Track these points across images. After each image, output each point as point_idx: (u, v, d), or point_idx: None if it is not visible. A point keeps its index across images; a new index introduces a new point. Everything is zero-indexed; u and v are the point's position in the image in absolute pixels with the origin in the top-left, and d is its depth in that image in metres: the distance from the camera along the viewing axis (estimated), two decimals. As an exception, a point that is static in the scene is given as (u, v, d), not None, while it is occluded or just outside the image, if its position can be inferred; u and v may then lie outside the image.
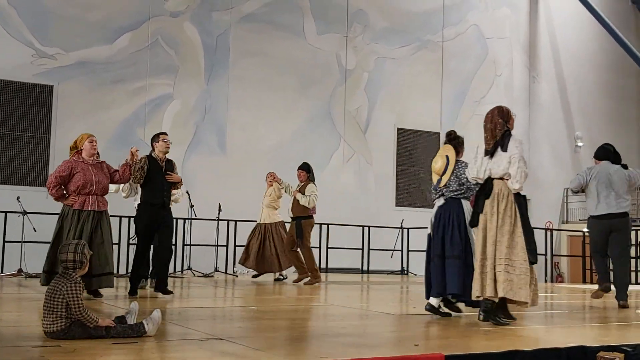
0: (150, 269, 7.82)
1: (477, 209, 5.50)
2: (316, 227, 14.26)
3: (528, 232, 5.36)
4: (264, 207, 10.68)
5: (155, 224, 7.20)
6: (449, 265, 5.73)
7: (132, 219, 8.78)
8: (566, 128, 19.58)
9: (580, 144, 19.13)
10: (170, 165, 7.41)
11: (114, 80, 14.15)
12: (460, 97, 17.99)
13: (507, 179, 5.41)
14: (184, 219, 11.91)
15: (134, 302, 4.65)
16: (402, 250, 14.96)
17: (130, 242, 11.79)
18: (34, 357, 3.59)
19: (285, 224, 10.63)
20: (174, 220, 8.33)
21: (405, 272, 14.96)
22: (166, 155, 7.35)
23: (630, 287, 7.51)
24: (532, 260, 5.32)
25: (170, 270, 9.36)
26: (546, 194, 18.13)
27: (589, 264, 13.67)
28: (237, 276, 12.07)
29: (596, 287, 7.62)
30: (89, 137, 6.94)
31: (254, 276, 10.85)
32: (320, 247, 14.28)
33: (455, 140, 6.15)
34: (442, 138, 18.76)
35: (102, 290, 6.86)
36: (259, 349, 4.04)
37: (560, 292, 10.81)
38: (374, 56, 16.93)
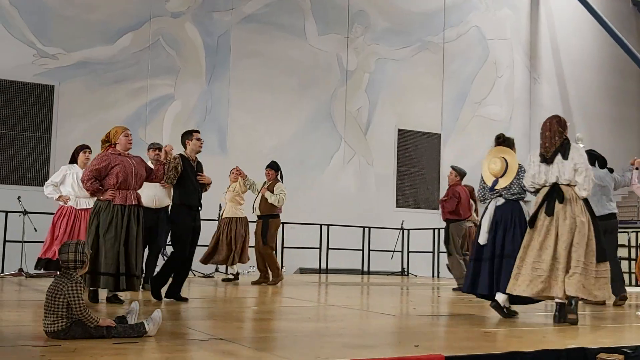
0: (143, 273, 7.73)
1: (539, 212, 5.68)
2: (316, 228, 14.33)
3: (598, 233, 5.66)
4: (227, 202, 10.47)
5: (193, 228, 6.86)
6: (509, 265, 5.86)
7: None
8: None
9: (581, 145, 19.13)
10: (200, 165, 7.11)
11: (115, 80, 14.16)
12: (461, 98, 18.00)
13: (574, 185, 5.69)
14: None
15: (135, 302, 4.65)
16: (402, 251, 14.97)
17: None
18: (35, 356, 3.59)
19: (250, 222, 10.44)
20: None
21: (406, 273, 14.97)
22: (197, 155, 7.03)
23: (629, 290, 7.62)
24: (604, 259, 5.62)
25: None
26: (547, 196, 18.10)
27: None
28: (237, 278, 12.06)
29: None
30: (124, 131, 6.53)
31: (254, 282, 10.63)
32: (320, 248, 14.30)
33: (506, 142, 6.33)
34: (443, 139, 18.80)
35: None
36: (259, 349, 4.04)
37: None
38: (375, 57, 16.94)
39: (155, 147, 8.32)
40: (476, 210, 11.21)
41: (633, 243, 13.35)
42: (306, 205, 15.28)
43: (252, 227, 10.23)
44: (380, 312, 6.79)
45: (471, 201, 10.62)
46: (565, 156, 5.72)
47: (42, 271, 9.23)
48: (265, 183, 10.07)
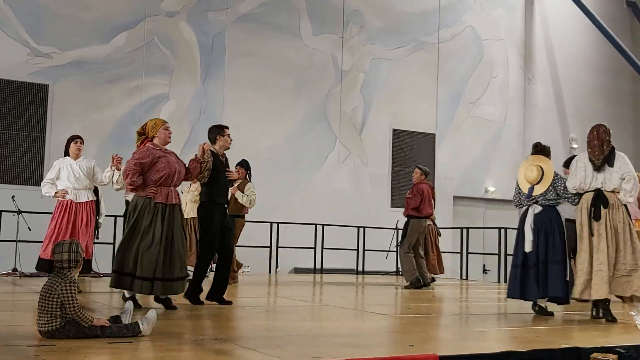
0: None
1: (591, 216, 6.12)
2: (311, 228, 14.32)
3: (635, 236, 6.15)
4: (187, 202, 10.27)
5: (222, 226, 6.63)
6: (553, 270, 6.27)
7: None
8: (561, 130, 19.64)
9: (575, 145, 19.19)
10: (227, 161, 6.88)
11: (110, 79, 14.13)
12: (456, 99, 18.02)
13: (618, 192, 6.12)
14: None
15: (129, 302, 4.65)
16: (397, 251, 14.98)
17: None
18: (29, 356, 3.59)
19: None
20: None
21: (400, 273, 14.98)
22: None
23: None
24: None
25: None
26: (541, 196, 18.14)
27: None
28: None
29: None
30: (164, 124, 6.20)
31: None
32: (315, 248, 14.30)
33: (543, 150, 6.65)
34: (438, 139, 18.79)
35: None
36: (254, 349, 4.04)
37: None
38: (370, 57, 16.95)
39: None
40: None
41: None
42: (301, 205, 15.28)
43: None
44: (375, 311, 6.80)
45: (432, 200, 10.77)
46: (611, 164, 6.14)
47: (40, 272, 8.68)
48: (234, 182, 9.89)
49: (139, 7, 14.40)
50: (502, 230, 13.75)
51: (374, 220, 15.55)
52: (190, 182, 9.51)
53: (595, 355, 4.19)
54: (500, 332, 5.50)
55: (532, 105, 19.13)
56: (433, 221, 11.49)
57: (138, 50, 14.36)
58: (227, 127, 6.96)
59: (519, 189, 6.60)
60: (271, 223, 13.50)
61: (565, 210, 6.71)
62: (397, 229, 15.07)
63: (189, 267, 9.98)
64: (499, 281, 13.73)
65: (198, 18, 15.02)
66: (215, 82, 15.10)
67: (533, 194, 6.44)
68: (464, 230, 14.62)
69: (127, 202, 8.04)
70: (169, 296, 6.10)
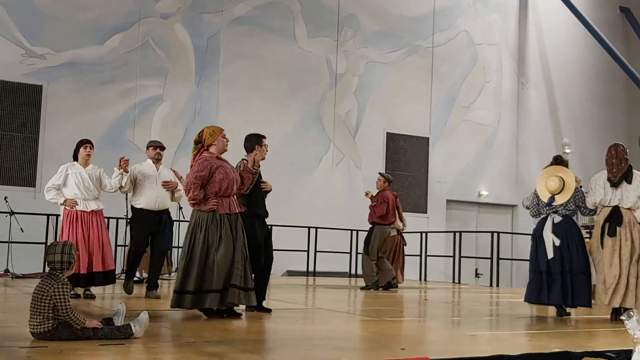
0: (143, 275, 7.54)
1: (605, 232, 6.45)
2: (305, 231, 14.33)
3: None
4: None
5: (265, 236, 6.47)
6: (578, 281, 6.55)
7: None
8: (554, 134, 19.71)
9: (567, 150, 19.27)
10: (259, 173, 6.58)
11: (104, 81, 14.11)
12: (450, 103, 18.06)
13: (635, 209, 6.44)
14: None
15: (121, 304, 4.65)
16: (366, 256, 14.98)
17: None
18: (21, 357, 3.59)
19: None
20: (174, 222, 8.11)
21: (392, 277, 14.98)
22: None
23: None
24: None
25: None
26: (534, 200, 18.20)
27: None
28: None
29: None
30: (222, 132, 6.01)
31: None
32: (308, 251, 14.31)
33: (562, 162, 6.93)
34: (431, 142, 18.79)
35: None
36: (246, 352, 4.05)
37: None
38: (364, 60, 16.98)
39: (156, 145, 7.90)
40: (400, 218, 11.53)
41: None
42: (294, 207, 15.28)
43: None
44: (368, 315, 6.81)
45: (395, 208, 10.92)
46: (629, 181, 6.44)
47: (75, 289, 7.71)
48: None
49: (134, 8, 14.39)
50: (495, 235, 13.78)
51: (368, 223, 15.54)
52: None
53: (586, 359, 4.21)
54: (492, 335, 5.52)
55: (525, 110, 19.20)
56: (398, 231, 11.61)
57: (132, 52, 14.35)
58: (264, 137, 6.70)
59: (538, 198, 6.84)
60: (264, 226, 13.47)
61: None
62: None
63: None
64: (491, 285, 13.76)
65: (193, 20, 15.02)
66: (209, 85, 15.10)
67: (553, 204, 6.68)
68: (457, 234, 14.65)
69: (133, 207, 7.78)
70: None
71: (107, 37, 14.15)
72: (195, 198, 5.65)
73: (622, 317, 5.39)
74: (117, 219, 11.79)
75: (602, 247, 6.42)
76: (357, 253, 14.81)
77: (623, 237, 6.36)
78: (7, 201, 11.19)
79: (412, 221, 16.82)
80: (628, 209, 6.42)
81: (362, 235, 14.90)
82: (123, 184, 7.56)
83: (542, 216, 6.80)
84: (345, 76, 16.68)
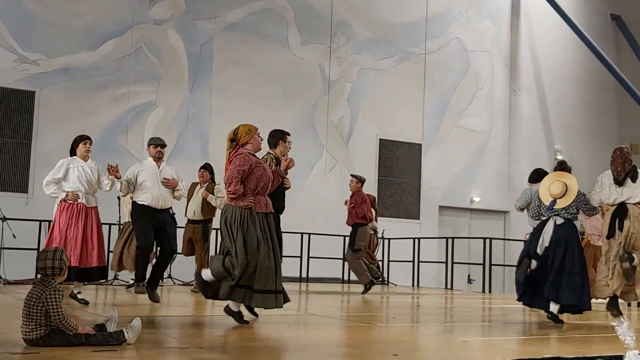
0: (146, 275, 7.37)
1: (614, 226, 7.02)
2: (297, 237, 14.32)
3: None
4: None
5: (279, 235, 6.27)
6: (572, 280, 6.70)
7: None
8: (545, 141, 19.80)
9: (559, 156, 19.35)
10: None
11: (97, 87, 14.10)
12: (442, 109, 18.13)
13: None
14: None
15: (114, 310, 4.65)
16: (382, 261, 15.01)
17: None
18: (13, 364, 3.58)
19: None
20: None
21: (386, 282, 15.01)
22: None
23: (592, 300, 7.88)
24: None
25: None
26: (526, 206, 18.27)
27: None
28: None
29: None
30: (257, 130, 6.01)
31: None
32: (301, 257, 14.30)
33: (566, 168, 7.24)
34: (424, 149, 18.83)
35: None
36: (239, 358, 4.06)
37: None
38: (357, 67, 17.03)
39: (157, 143, 7.69)
40: (376, 218, 11.70)
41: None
42: (287, 213, 15.14)
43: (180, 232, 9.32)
44: (360, 321, 6.83)
45: (371, 207, 11.12)
46: (634, 179, 6.99)
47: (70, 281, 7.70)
48: (198, 185, 9.79)
49: (127, 15, 14.40)
50: (487, 241, 13.82)
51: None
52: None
53: (576, 365, 4.23)
54: (484, 341, 5.54)
55: (517, 117, 19.29)
56: (375, 230, 11.74)
57: (125, 58, 14.35)
58: (289, 134, 6.76)
59: (540, 201, 7.09)
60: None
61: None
62: (382, 238, 15.11)
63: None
64: (483, 291, 13.79)
65: (186, 26, 15.04)
66: (202, 91, 15.11)
67: (555, 207, 6.90)
68: (449, 240, 14.68)
69: (134, 203, 7.56)
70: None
71: (100, 43, 14.15)
72: (236, 192, 5.57)
73: (612, 323, 5.41)
74: (110, 224, 11.75)
75: (612, 239, 6.98)
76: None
77: (631, 230, 6.91)
78: (-1, 207, 11.17)
79: (404, 227, 16.89)
80: (635, 204, 6.97)
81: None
82: (119, 189, 7.52)
83: (544, 218, 7.03)
84: (338, 83, 16.72)
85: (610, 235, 7.06)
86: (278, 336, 5.34)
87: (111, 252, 10.32)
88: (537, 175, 8.31)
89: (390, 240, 15.29)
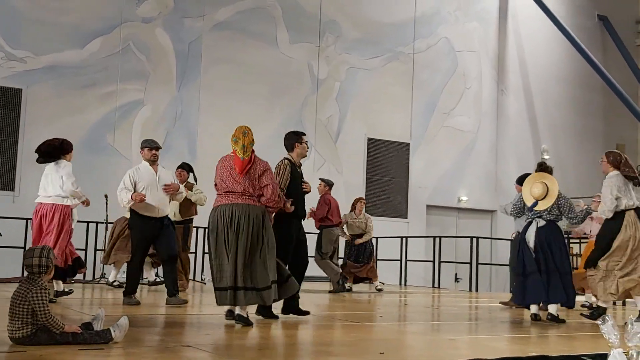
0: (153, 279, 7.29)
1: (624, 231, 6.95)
2: (285, 236, 14.30)
3: None
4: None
5: (298, 239, 6.47)
6: (562, 280, 6.75)
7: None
8: (533, 141, 19.90)
9: (546, 156, 19.45)
10: (301, 172, 6.50)
11: (84, 85, 14.03)
12: (430, 109, 18.17)
13: None
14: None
15: (101, 309, 4.64)
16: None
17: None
18: (-1, 362, 3.57)
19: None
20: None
21: (372, 281, 15.02)
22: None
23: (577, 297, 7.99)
24: None
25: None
26: (513, 206, 18.35)
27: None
28: (205, 283, 12.03)
29: None
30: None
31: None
32: (289, 256, 14.27)
33: (547, 169, 7.15)
34: (412, 148, 18.86)
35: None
36: (226, 357, 4.06)
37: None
38: (346, 66, 17.05)
39: (152, 146, 7.55)
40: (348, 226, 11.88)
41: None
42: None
43: None
44: (348, 319, 6.84)
45: (340, 211, 11.27)
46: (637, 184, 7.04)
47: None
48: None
49: (115, 12, 14.33)
50: (474, 240, 13.88)
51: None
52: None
53: (562, 363, 4.26)
54: (471, 340, 5.57)
55: (504, 117, 19.37)
56: (343, 231, 11.89)
57: (113, 56, 14.29)
58: (304, 134, 6.69)
59: (522, 201, 7.08)
60: (245, 230, 13.46)
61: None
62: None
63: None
64: (470, 289, 13.85)
65: (174, 25, 14.99)
66: (190, 89, 15.07)
67: (536, 209, 6.88)
68: (437, 239, 14.73)
69: (132, 211, 7.41)
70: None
71: (88, 41, 14.07)
72: (278, 206, 6.05)
73: (597, 322, 5.47)
74: (97, 223, 11.71)
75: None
76: (338, 258, 14.82)
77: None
78: (-15, 205, 11.09)
79: (392, 226, 16.91)
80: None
81: (343, 240, 14.95)
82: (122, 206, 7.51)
83: (528, 220, 7.03)
84: (326, 82, 16.73)
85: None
86: (267, 335, 5.35)
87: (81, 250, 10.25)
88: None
89: (378, 239, 15.31)
